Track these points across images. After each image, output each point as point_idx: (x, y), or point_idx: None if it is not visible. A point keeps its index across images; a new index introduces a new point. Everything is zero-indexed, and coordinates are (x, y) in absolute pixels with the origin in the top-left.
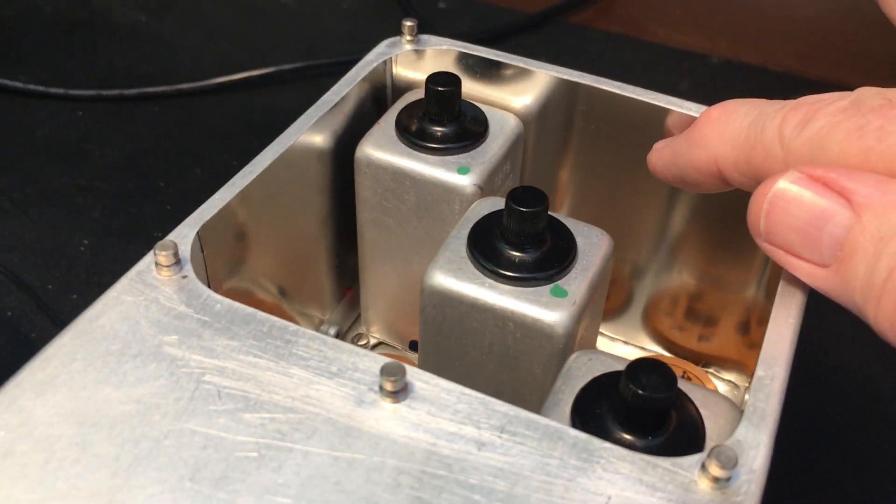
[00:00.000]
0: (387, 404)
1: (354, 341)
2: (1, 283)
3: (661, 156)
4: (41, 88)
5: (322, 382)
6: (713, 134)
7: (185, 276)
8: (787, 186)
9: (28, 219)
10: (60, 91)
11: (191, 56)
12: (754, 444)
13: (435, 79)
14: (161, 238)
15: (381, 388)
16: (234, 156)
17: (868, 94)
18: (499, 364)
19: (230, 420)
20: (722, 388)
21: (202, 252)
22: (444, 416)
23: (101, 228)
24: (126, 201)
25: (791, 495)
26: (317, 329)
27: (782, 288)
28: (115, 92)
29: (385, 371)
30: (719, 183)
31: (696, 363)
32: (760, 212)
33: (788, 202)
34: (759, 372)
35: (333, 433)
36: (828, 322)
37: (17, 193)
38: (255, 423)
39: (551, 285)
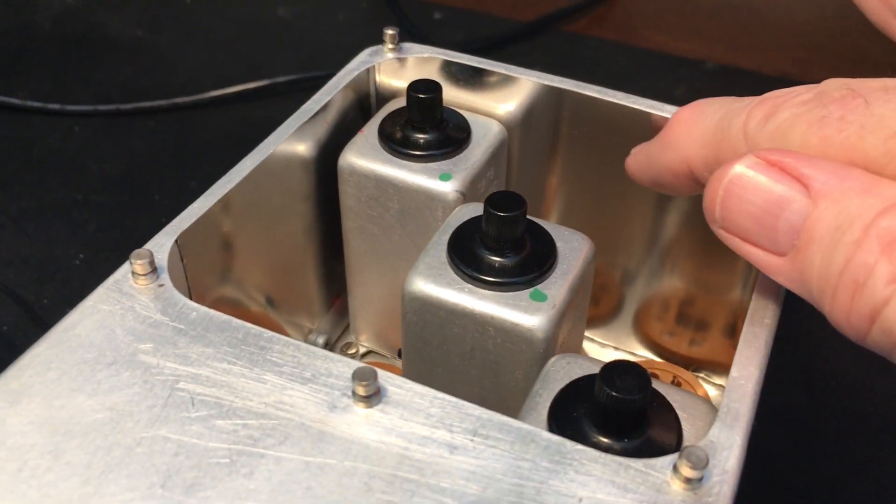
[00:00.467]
0: (359, 409)
1: (344, 350)
2: None
3: (637, 160)
4: (38, 104)
5: (295, 388)
6: (683, 134)
7: (161, 285)
8: (743, 171)
9: (24, 233)
10: (57, 106)
11: (187, 70)
12: (727, 445)
13: (416, 86)
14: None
15: (354, 393)
16: (229, 168)
17: (832, 86)
18: (481, 370)
19: (203, 427)
20: (712, 392)
21: (182, 261)
22: (416, 420)
23: (96, 242)
24: (122, 215)
25: (789, 497)
26: (305, 338)
27: (758, 288)
28: (112, 107)
29: (357, 376)
30: (693, 184)
31: (687, 368)
32: (716, 198)
33: (744, 188)
34: (734, 373)
35: (306, 438)
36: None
37: (14, 208)
38: (228, 430)
39: (531, 290)
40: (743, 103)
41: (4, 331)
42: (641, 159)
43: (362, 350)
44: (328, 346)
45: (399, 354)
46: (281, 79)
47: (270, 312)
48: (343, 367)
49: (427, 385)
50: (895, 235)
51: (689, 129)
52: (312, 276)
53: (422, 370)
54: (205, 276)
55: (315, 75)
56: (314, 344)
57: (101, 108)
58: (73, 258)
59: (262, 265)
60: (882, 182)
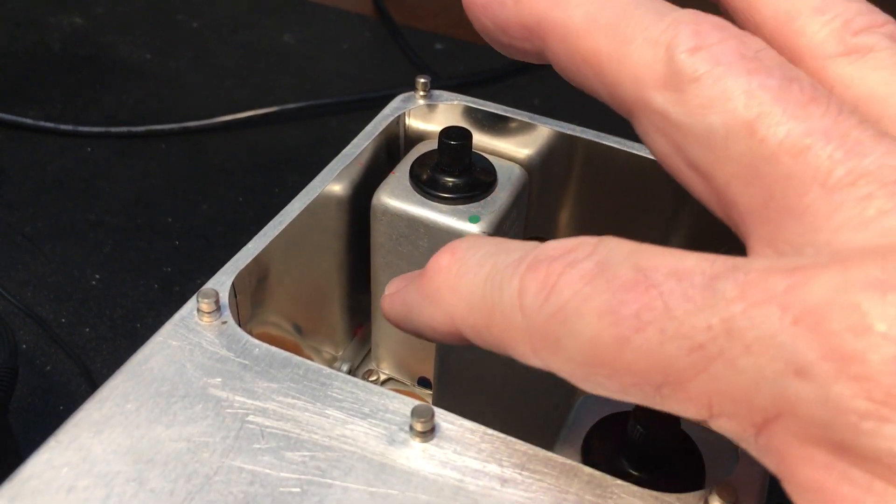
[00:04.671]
0: (416, 443)
1: (366, 377)
2: (15, 316)
3: (394, 306)
4: (51, 125)
5: (356, 423)
6: (445, 288)
7: (224, 322)
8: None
9: (41, 253)
10: (70, 128)
11: (196, 94)
12: (751, 482)
13: (448, 133)
14: (170, 272)
15: (412, 428)
16: (239, 192)
17: (616, 259)
18: (511, 399)
19: (273, 458)
20: None
21: (236, 298)
22: (469, 454)
23: (112, 263)
24: (136, 236)
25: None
26: (331, 366)
27: None
28: (124, 129)
29: (416, 413)
30: (463, 342)
31: None
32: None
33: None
34: None
35: (369, 470)
36: None
37: (29, 228)
38: (297, 461)
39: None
40: (511, 259)
41: (24, 349)
42: (398, 306)
43: (383, 377)
44: (351, 372)
45: (419, 382)
46: (290, 105)
47: (299, 341)
48: (398, 403)
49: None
50: None
51: (452, 284)
52: (339, 308)
53: (453, 400)
54: (247, 309)
55: (321, 103)
56: (339, 371)
57: (114, 129)
58: (90, 279)
59: (295, 298)
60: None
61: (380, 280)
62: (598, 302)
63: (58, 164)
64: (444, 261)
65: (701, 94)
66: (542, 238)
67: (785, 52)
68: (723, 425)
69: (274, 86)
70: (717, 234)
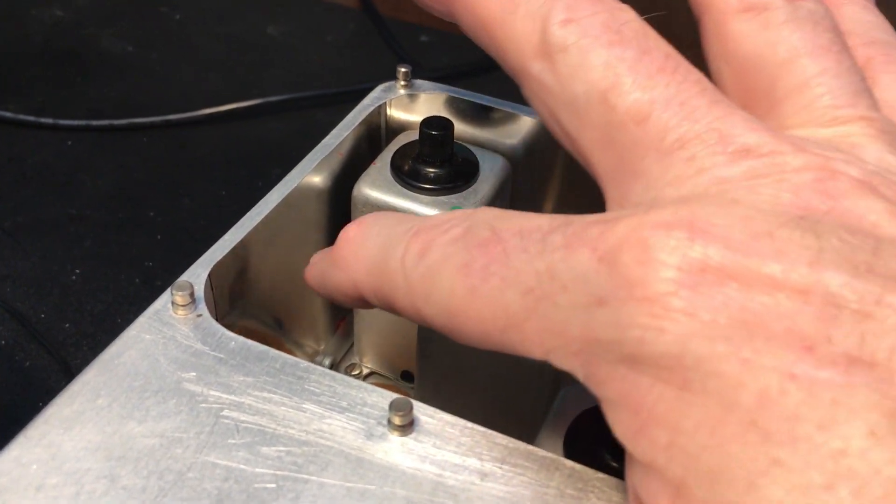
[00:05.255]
0: (395, 437)
1: (348, 371)
2: None
3: (313, 273)
4: (31, 118)
5: (333, 417)
6: (350, 256)
7: (199, 315)
8: None
9: (20, 248)
10: (50, 121)
11: (178, 86)
12: None
13: (429, 123)
14: (152, 267)
15: (390, 422)
16: (222, 186)
17: (479, 224)
18: (495, 391)
19: (248, 453)
20: None
21: (212, 291)
22: (448, 448)
23: (92, 258)
24: (117, 231)
25: None
26: (312, 360)
27: None
28: (105, 122)
29: (394, 406)
30: (367, 305)
31: None
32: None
33: None
34: None
35: (346, 465)
36: None
37: (9, 223)
38: (273, 456)
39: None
40: (404, 228)
41: (2, 345)
42: (316, 273)
43: (365, 371)
44: (334, 366)
45: (402, 376)
46: (273, 98)
47: (280, 335)
48: (377, 397)
49: (440, 402)
50: None
51: (355, 251)
52: (320, 301)
53: (435, 390)
54: (225, 302)
55: (306, 95)
56: (321, 365)
57: (95, 123)
58: (70, 273)
59: (275, 291)
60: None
61: None
62: (457, 259)
63: (38, 157)
64: (350, 232)
65: (568, 64)
66: None
67: (694, 5)
68: (557, 361)
69: (258, 78)
70: None
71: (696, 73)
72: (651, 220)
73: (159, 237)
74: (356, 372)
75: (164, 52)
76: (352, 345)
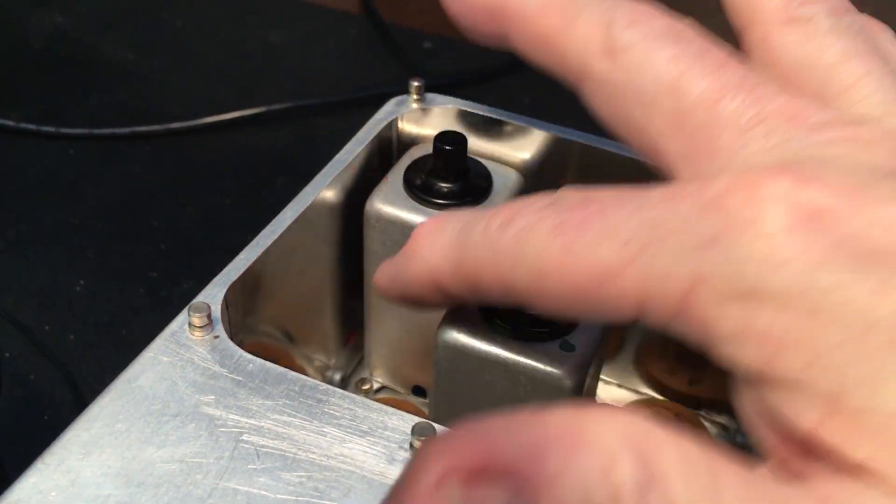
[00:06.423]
0: None
1: (358, 385)
2: None
3: (384, 273)
4: (33, 127)
5: (354, 441)
6: (426, 245)
7: (216, 336)
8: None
9: (24, 258)
10: (52, 129)
11: (180, 93)
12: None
13: (443, 138)
14: (156, 277)
15: (412, 446)
16: (226, 195)
17: (568, 193)
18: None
19: (270, 479)
20: (713, 430)
21: (227, 310)
22: None
23: (96, 268)
24: (120, 240)
25: None
26: (323, 375)
27: None
28: (107, 131)
29: (416, 430)
30: (441, 296)
31: (688, 406)
32: None
33: None
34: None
35: (368, 491)
36: None
37: (12, 232)
38: (294, 482)
39: (560, 340)
40: (482, 214)
41: (7, 357)
42: (387, 272)
43: (376, 385)
44: (344, 381)
45: (413, 391)
46: (276, 106)
47: (291, 350)
48: (397, 420)
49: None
50: None
51: (431, 241)
52: (331, 315)
53: (450, 412)
54: (238, 318)
55: (309, 104)
56: (332, 380)
57: (97, 131)
58: (74, 284)
59: (287, 306)
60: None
61: (372, 286)
62: (548, 221)
63: (40, 166)
64: (426, 226)
65: (634, 60)
66: None
67: (741, 17)
68: (653, 312)
69: (260, 86)
70: None
71: (758, 69)
72: (752, 172)
73: (163, 247)
74: (367, 386)
75: (165, 59)
76: (362, 358)
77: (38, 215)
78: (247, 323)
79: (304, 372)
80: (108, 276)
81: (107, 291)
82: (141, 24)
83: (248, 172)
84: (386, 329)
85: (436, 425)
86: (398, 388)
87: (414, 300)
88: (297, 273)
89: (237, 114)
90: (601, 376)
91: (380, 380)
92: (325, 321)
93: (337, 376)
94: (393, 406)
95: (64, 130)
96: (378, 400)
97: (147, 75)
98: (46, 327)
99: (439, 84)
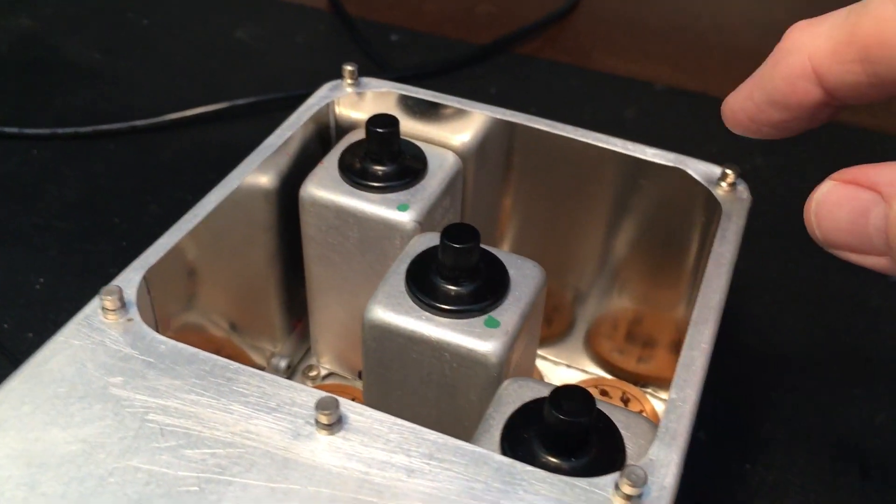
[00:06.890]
0: (322, 436)
1: (306, 372)
2: None
3: (740, 92)
4: None
5: (261, 417)
6: (804, 36)
7: (130, 319)
8: (823, 196)
9: None
10: (15, 130)
11: (146, 93)
12: (665, 463)
13: (374, 121)
14: (116, 275)
15: (317, 422)
16: (189, 191)
17: None
18: (438, 392)
19: (172, 456)
20: (660, 407)
21: (149, 294)
22: (376, 445)
23: (57, 267)
24: (82, 239)
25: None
26: (268, 361)
27: (696, 311)
28: (70, 130)
29: (320, 405)
30: (815, 90)
31: (636, 384)
32: (812, 224)
33: (830, 209)
34: (672, 395)
35: (271, 465)
36: (764, 337)
37: None
38: (196, 459)
39: (485, 317)
40: None
41: None
42: (745, 88)
43: (324, 372)
44: (290, 368)
45: (360, 376)
46: (240, 101)
47: (234, 338)
48: (306, 396)
49: (386, 407)
50: None
51: (810, 30)
52: (275, 302)
53: (382, 393)
54: (170, 305)
55: (274, 97)
56: (277, 367)
57: (60, 131)
58: (34, 283)
59: (226, 293)
60: None
61: (314, 273)
62: None
63: (2, 167)
64: (800, 23)
65: None
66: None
67: None
68: None
69: (227, 82)
70: (660, 211)
71: None
72: None
73: (125, 244)
74: (314, 373)
75: (131, 58)
76: (309, 346)
77: (0, 216)
78: (181, 310)
79: (248, 360)
80: (69, 274)
81: (67, 290)
82: (107, 24)
83: (212, 168)
84: (329, 316)
85: (341, 399)
86: (345, 374)
87: (777, 106)
88: (233, 259)
89: (200, 110)
90: (551, 357)
91: (327, 366)
92: (269, 309)
93: (283, 363)
94: (338, 392)
95: (27, 131)
96: (323, 386)
97: (113, 75)
98: (5, 325)
99: (406, 76)
